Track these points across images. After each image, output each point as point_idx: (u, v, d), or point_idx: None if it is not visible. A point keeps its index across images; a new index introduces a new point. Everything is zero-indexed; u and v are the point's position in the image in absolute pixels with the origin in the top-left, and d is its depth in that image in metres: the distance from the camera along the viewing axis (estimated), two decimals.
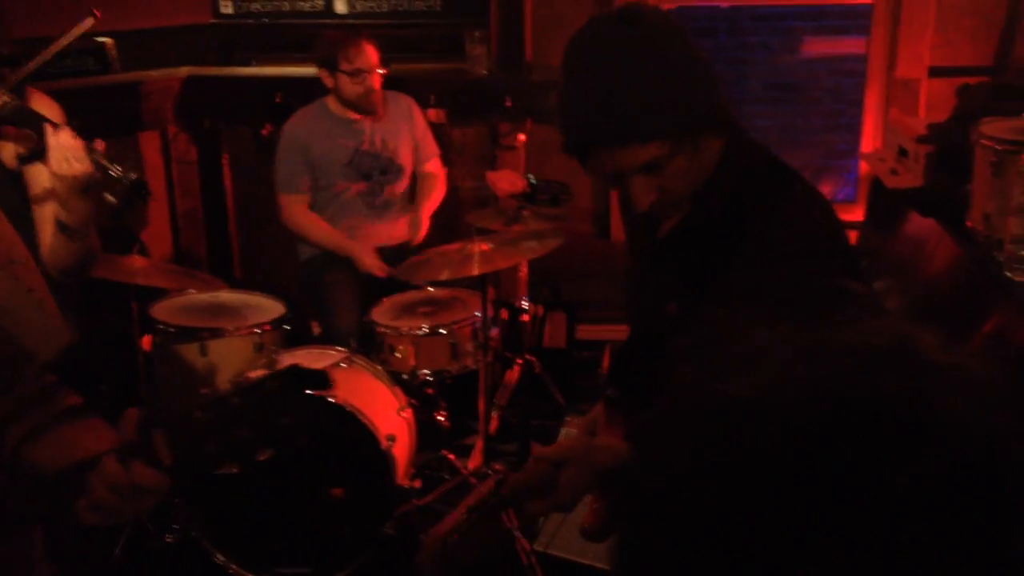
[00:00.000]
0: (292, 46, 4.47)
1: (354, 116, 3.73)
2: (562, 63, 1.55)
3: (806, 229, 1.51)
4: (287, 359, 3.17)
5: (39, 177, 2.21)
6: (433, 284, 3.58)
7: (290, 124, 3.77)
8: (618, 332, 4.33)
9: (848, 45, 4.57)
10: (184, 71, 4.38)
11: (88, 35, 4.20)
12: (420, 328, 3.36)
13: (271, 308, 3.50)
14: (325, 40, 3.67)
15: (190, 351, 3.19)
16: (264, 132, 4.27)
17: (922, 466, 0.50)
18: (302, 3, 4.58)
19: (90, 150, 2.01)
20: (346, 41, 3.59)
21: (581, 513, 2.96)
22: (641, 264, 1.75)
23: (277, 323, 3.39)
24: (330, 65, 3.61)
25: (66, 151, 2.00)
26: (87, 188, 2.03)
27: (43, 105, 2.23)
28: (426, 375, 3.38)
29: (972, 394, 0.54)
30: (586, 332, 4.24)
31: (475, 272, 3.18)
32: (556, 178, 4.02)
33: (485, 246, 3.35)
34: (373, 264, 3.67)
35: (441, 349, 3.37)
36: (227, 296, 3.55)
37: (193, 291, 3.47)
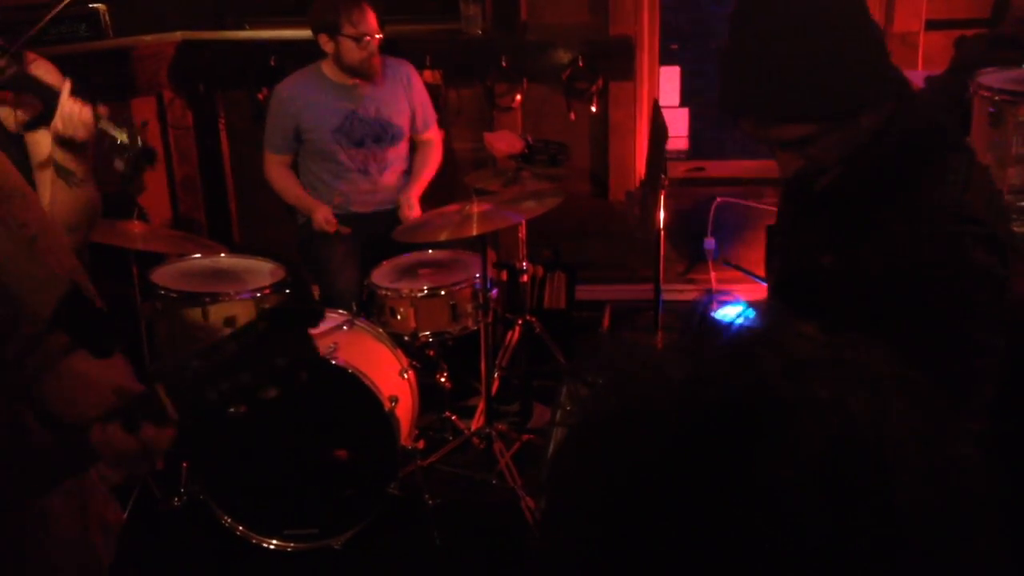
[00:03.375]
0: (286, 9, 4.43)
1: (350, 81, 3.70)
2: (731, 20, 1.55)
3: (958, 208, 1.49)
4: None
5: (42, 144, 2.21)
6: (432, 246, 3.57)
7: (282, 85, 3.76)
8: (617, 292, 4.37)
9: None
10: (178, 36, 4.35)
11: (81, 1, 4.20)
12: (420, 290, 3.36)
13: (271, 272, 3.49)
14: (324, 3, 3.61)
15: (191, 316, 3.20)
16: (260, 96, 4.25)
17: (769, 459, 0.52)
18: None
19: (96, 116, 1.99)
20: (348, 5, 3.54)
21: None
22: (792, 214, 1.78)
23: (277, 287, 3.39)
24: (331, 29, 3.57)
25: (71, 117, 1.99)
26: (89, 151, 2.02)
27: (44, 71, 2.21)
28: (427, 337, 3.38)
29: (837, 385, 0.55)
30: (586, 292, 4.25)
31: (474, 233, 3.18)
32: (554, 138, 4.02)
33: (484, 207, 3.35)
34: (324, 220, 3.66)
35: (441, 311, 3.37)
36: (227, 261, 3.55)
37: (193, 256, 3.47)
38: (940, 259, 1.46)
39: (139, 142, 2.02)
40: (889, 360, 0.57)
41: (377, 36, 3.61)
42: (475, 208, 3.27)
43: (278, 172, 3.81)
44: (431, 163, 3.89)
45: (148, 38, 4.29)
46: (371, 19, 3.57)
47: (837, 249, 1.60)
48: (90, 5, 4.18)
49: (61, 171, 2.07)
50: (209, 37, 4.42)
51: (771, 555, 0.51)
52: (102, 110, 2.04)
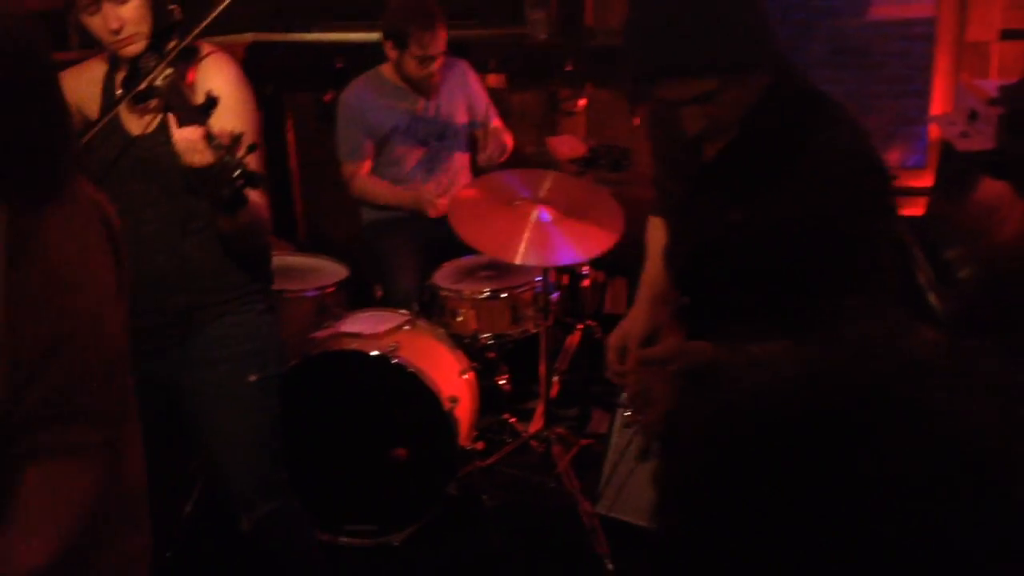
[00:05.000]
0: (353, 13, 4.48)
1: (406, 84, 3.73)
2: None
3: (853, 146, 1.68)
4: (350, 323, 3.22)
5: None
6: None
7: (346, 94, 3.79)
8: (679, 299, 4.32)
9: (917, 8, 4.46)
10: (248, 37, 4.42)
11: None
12: (481, 292, 3.38)
13: (334, 271, 3.55)
14: (399, 13, 3.60)
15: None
16: (326, 98, 4.30)
17: (887, 459, 0.52)
18: None
19: (211, 139, 1.99)
20: (421, 26, 3.52)
21: (643, 477, 2.97)
22: (685, 186, 1.89)
23: (340, 286, 3.44)
24: (400, 42, 3.58)
25: (184, 144, 1.99)
26: (208, 178, 2.01)
27: (213, 71, 2.21)
28: (487, 339, 3.40)
29: (960, 391, 0.55)
30: None
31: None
32: (616, 143, 4.00)
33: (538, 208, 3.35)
34: (431, 200, 3.66)
35: (502, 313, 3.39)
36: (292, 259, 3.60)
37: None
38: (848, 192, 1.65)
39: (248, 167, 1.98)
40: (1007, 367, 0.57)
41: (440, 55, 3.61)
42: (530, 210, 3.27)
43: (364, 180, 3.78)
44: (502, 144, 3.84)
45: (219, 39, 4.36)
46: (439, 41, 3.57)
47: (745, 203, 1.74)
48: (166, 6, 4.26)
49: (213, 204, 2.08)
50: (278, 39, 4.49)
51: (881, 549, 0.50)
52: (223, 137, 2.02)
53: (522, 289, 3.38)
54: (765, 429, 0.56)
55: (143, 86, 2.12)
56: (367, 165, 3.79)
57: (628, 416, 2.97)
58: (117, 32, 2.09)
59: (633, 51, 1.65)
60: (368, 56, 3.88)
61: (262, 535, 2.37)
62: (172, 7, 2.24)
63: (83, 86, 2.26)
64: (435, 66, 3.63)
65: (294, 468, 3.03)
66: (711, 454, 0.59)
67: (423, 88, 3.71)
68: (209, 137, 1.97)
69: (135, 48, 2.13)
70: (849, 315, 0.61)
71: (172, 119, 2.04)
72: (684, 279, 1.95)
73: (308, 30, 4.54)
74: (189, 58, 2.23)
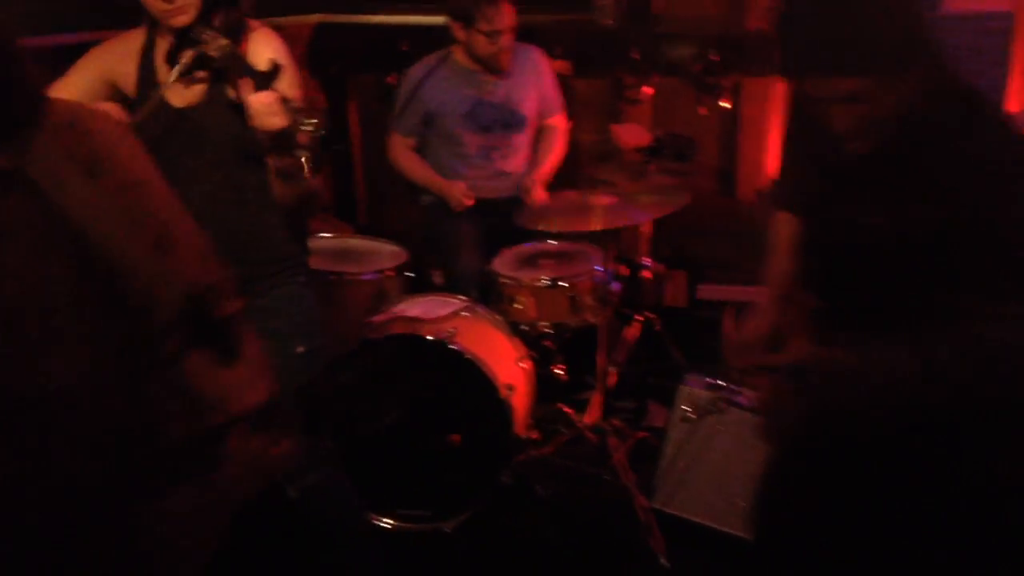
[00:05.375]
0: None
1: (478, 68, 3.71)
2: None
3: (1015, 148, 1.63)
4: (409, 307, 3.21)
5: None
6: (554, 236, 3.55)
7: (413, 69, 3.78)
8: (740, 293, 4.26)
9: (992, 2, 4.32)
10: (315, 18, 4.43)
11: None
12: (540, 280, 3.35)
13: (394, 255, 3.54)
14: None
15: (317, 293, 3.25)
16: (389, 80, 4.29)
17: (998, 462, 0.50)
18: None
19: (285, 103, 1.98)
20: (488, 1, 3.54)
21: (700, 473, 2.92)
22: (824, 184, 1.83)
23: (399, 270, 3.43)
24: (466, 20, 3.58)
25: (261, 107, 1.99)
26: (283, 141, 2.01)
27: (263, 43, 2.21)
28: (545, 327, 3.37)
29: None
30: (707, 292, 4.16)
31: (597, 226, 3.15)
32: (682, 133, 3.94)
33: (609, 199, 3.31)
34: (461, 194, 3.65)
35: (561, 302, 3.36)
36: (353, 242, 3.60)
37: (322, 234, 3.53)
38: (1011, 195, 1.58)
39: (322, 130, 1.99)
40: None
41: (512, 30, 3.60)
42: (600, 200, 3.23)
43: (404, 154, 3.83)
44: (556, 149, 3.87)
45: (286, 19, 4.38)
46: (506, 16, 3.57)
47: (894, 205, 1.67)
48: None
49: (277, 172, 2.09)
50: (344, 20, 4.49)
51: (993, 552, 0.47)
52: (292, 97, 2.02)
53: (582, 278, 3.34)
54: (880, 432, 0.52)
55: (192, 56, 2.10)
56: (409, 141, 3.81)
57: (688, 412, 2.93)
58: (170, 2, 2.08)
59: (783, 46, 1.64)
60: (433, 40, 3.87)
61: (308, 504, 2.38)
62: None
63: (117, 60, 2.25)
64: (504, 41, 3.61)
65: (349, 450, 3.05)
66: (822, 456, 0.56)
67: (494, 68, 3.68)
68: (284, 100, 1.96)
69: (185, 19, 2.11)
70: (990, 319, 0.57)
71: (244, 85, 2.03)
72: (816, 280, 1.88)
73: (374, 12, 4.53)
74: (240, 31, 2.21)
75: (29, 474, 1.37)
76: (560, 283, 3.33)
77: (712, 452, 2.91)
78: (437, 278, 3.99)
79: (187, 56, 2.10)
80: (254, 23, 2.25)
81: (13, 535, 1.37)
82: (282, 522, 2.43)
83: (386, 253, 3.57)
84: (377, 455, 3.07)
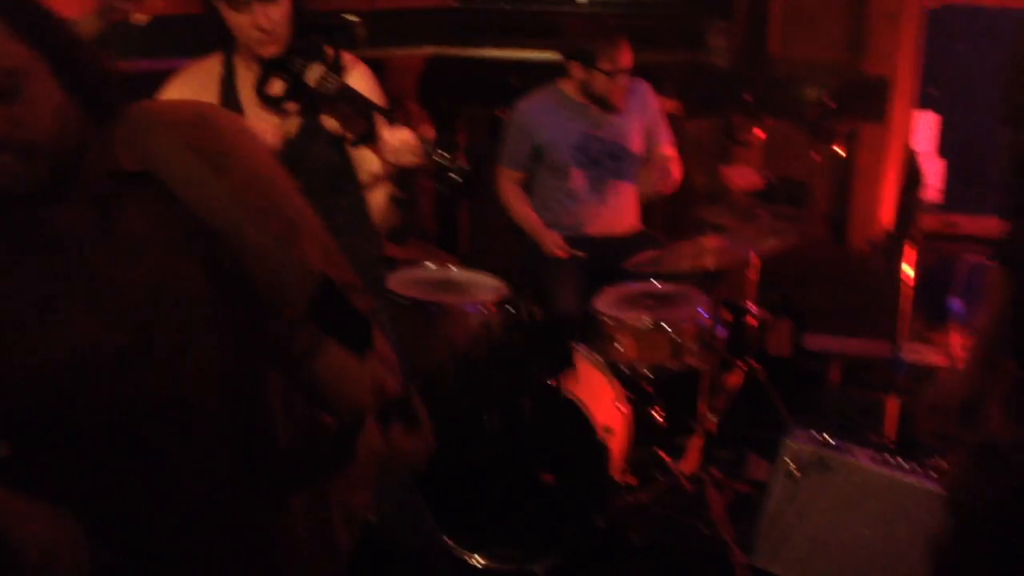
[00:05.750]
0: (530, 32, 4.48)
1: (587, 102, 3.69)
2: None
3: None
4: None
5: (367, 160, 2.21)
6: (659, 277, 3.49)
7: (522, 103, 3.78)
8: (848, 345, 4.13)
9: None
10: (427, 50, 4.47)
11: (337, 13, 4.39)
12: (643, 321, 3.28)
13: (495, 288, 3.52)
14: (582, 33, 3.62)
15: (417, 323, 3.24)
16: (498, 114, 4.30)
17: None
18: None
19: (424, 142, 1.97)
20: (608, 41, 3.54)
21: (804, 533, 2.80)
22: None
23: (500, 304, 3.41)
24: (586, 59, 3.56)
25: (400, 144, 1.97)
26: (411, 177, 2.00)
27: (360, 78, 2.21)
28: (645, 370, 3.30)
29: None
30: (813, 343, 4.04)
31: (704, 268, 3.08)
32: (794, 178, 3.85)
33: (717, 242, 3.24)
34: (554, 245, 3.65)
35: (663, 345, 3.28)
36: (455, 272, 3.59)
37: (424, 264, 3.53)
38: None
39: (463, 167, 1.96)
40: None
41: (627, 69, 3.58)
42: (708, 242, 3.16)
43: (511, 189, 3.82)
44: (667, 173, 3.77)
45: (399, 51, 4.44)
46: (626, 56, 3.56)
47: None
48: (345, 16, 4.36)
49: (396, 201, 2.08)
50: (455, 54, 4.53)
51: None
52: (428, 133, 2.01)
53: (686, 322, 3.26)
54: None
55: (286, 86, 2.08)
56: (517, 175, 3.79)
57: (793, 468, 2.82)
58: (265, 31, 2.09)
59: (1007, 89, 1.60)
60: (542, 74, 3.86)
61: (386, 526, 2.35)
62: (351, 20, 2.22)
63: (197, 90, 2.24)
64: (622, 80, 3.59)
65: (440, 482, 3.01)
66: (1013, 536, 0.49)
67: (609, 105, 3.66)
68: (422, 138, 1.95)
69: (274, 49, 2.12)
70: None
71: (352, 119, 2.01)
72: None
73: (484, 47, 4.56)
74: (335, 64, 2.19)
75: (158, 483, 1.36)
76: (663, 325, 3.26)
77: (817, 512, 2.80)
78: (536, 314, 3.95)
79: (279, 86, 2.08)
80: (349, 58, 2.24)
81: (140, 543, 1.36)
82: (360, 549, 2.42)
83: (487, 286, 3.55)
84: (468, 489, 3.02)
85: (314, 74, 2.06)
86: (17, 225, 1.28)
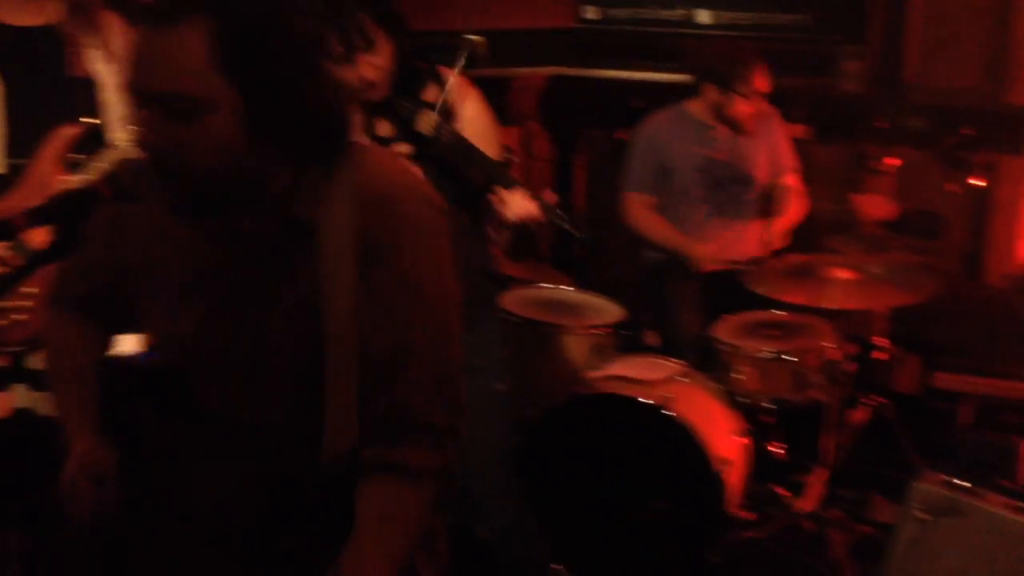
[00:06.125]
0: (652, 54, 4.43)
1: (712, 124, 3.62)
2: None
3: None
4: (623, 366, 3.11)
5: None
6: (782, 306, 3.37)
7: (647, 124, 3.72)
8: (981, 385, 3.92)
9: None
10: (548, 70, 4.46)
11: (459, 32, 4.43)
12: (764, 351, 3.17)
13: (610, 311, 3.47)
14: (720, 55, 3.57)
15: (531, 344, 3.21)
16: (619, 136, 4.25)
17: None
18: (665, 12, 4.51)
19: (544, 206, 1.93)
20: (748, 63, 3.47)
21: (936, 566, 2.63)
22: None
23: (615, 327, 3.35)
24: (723, 82, 3.49)
25: (522, 211, 1.95)
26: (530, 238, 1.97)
27: (474, 113, 2.16)
28: (765, 402, 3.18)
29: None
30: (944, 381, 3.84)
31: (831, 301, 2.96)
32: (928, 209, 3.70)
33: (846, 273, 3.12)
34: (702, 256, 3.53)
35: (785, 376, 3.17)
36: (570, 294, 3.55)
37: (540, 284, 3.50)
38: None
39: (583, 234, 1.92)
40: None
41: (762, 92, 3.50)
42: (835, 273, 3.05)
43: (643, 213, 3.71)
44: (792, 208, 3.68)
45: (521, 70, 4.43)
46: (762, 79, 3.50)
47: None
48: (466, 36, 4.39)
49: (509, 252, 2.06)
50: (577, 74, 4.50)
51: None
52: (549, 198, 1.97)
53: (810, 353, 3.14)
54: None
55: (394, 130, 2.05)
56: (648, 199, 3.71)
57: (921, 511, 2.67)
58: (370, 82, 2.06)
59: None
60: (666, 97, 3.80)
61: (497, 543, 2.31)
62: (472, 39, 2.18)
63: None
64: (758, 104, 3.51)
65: (548, 505, 2.96)
66: None
67: (739, 128, 3.58)
68: (545, 205, 1.91)
69: (379, 93, 2.09)
70: None
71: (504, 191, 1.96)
72: None
73: (607, 67, 4.52)
74: (445, 108, 2.14)
75: (235, 498, 1.41)
76: (786, 356, 3.14)
77: (945, 559, 2.63)
78: (651, 339, 3.87)
79: (387, 127, 2.06)
80: (462, 85, 2.19)
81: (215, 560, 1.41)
82: (467, 563, 2.38)
83: (602, 308, 3.50)
84: (575, 514, 2.96)
85: (425, 122, 2.02)
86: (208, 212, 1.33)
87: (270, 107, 1.24)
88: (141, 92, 1.22)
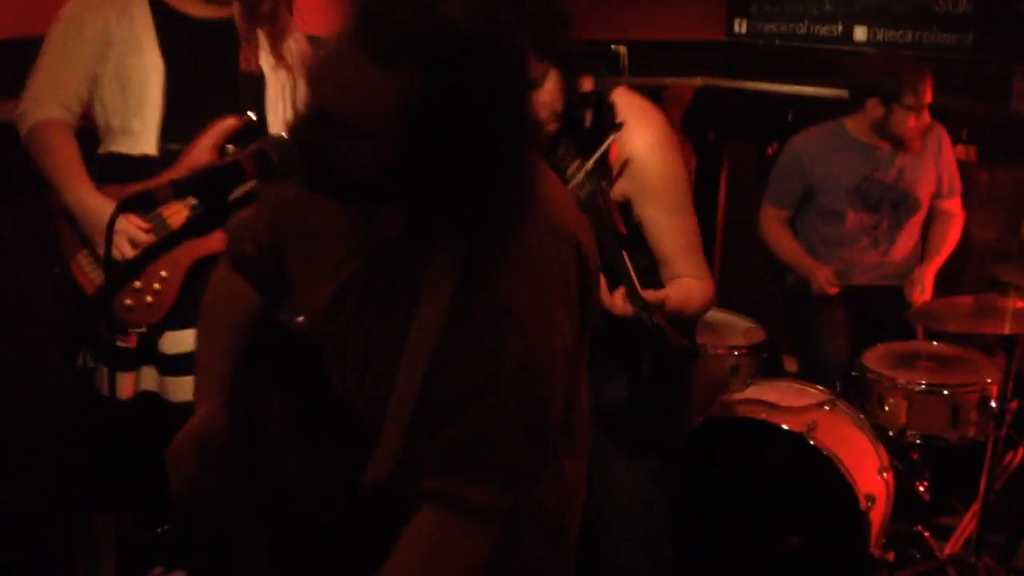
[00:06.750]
0: (803, 69, 4.27)
1: (874, 142, 3.45)
2: None
3: None
4: (763, 390, 2.99)
5: None
6: (939, 337, 3.19)
7: (798, 138, 3.59)
8: None
9: None
10: (698, 81, 4.36)
11: (604, 42, 4.36)
12: (918, 384, 3.00)
13: (750, 332, 3.36)
14: (886, 65, 3.43)
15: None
16: (769, 151, 4.12)
17: None
18: (819, 27, 4.36)
19: (633, 294, 1.82)
20: (916, 74, 3.32)
21: None
22: None
23: (754, 349, 3.23)
24: (888, 95, 3.33)
25: (613, 307, 1.81)
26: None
27: (634, 133, 1.98)
28: (915, 437, 3.01)
29: None
30: None
31: (1002, 331, 2.76)
32: None
33: (1011, 304, 2.91)
34: (825, 280, 3.38)
35: (939, 412, 2.99)
36: (710, 313, 3.43)
37: None
38: None
39: (671, 339, 1.82)
40: None
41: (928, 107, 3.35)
42: (1007, 304, 2.85)
43: (776, 227, 3.61)
44: (950, 239, 3.51)
45: (669, 80, 4.34)
46: (929, 91, 3.33)
47: None
48: (612, 46, 4.32)
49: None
50: (727, 86, 4.38)
51: None
52: (657, 318, 1.87)
53: (969, 389, 2.95)
54: None
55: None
56: (783, 213, 3.60)
57: None
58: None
59: None
60: (819, 112, 3.66)
61: (621, 559, 2.24)
62: (617, 49, 2.06)
63: None
64: (925, 119, 3.36)
65: (676, 529, 2.85)
66: None
67: (904, 145, 3.41)
68: (633, 294, 1.80)
69: (548, 127, 1.99)
70: None
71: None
72: None
73: (759, 80, 4.39)
74: (611, 134, 2.01)
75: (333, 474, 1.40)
76: (942, 390, 2.96)
77: None
78: (790, 365, 3.72)
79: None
80: (627, 103, 2.03)
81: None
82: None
83: (742, 329, 3.40)
84: (705, 539, 2.85)
85: (574, 174, 1.92)
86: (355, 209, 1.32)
87: (429, 166, 1.18)
88: (320, 104, 1.18)
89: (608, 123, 1.95)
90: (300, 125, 1.20)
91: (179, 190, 1.20)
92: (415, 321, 1.27)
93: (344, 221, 1.35)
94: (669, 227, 2.05)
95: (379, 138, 1.15)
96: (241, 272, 1.58)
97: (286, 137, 1.24)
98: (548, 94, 1.88)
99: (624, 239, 1.90)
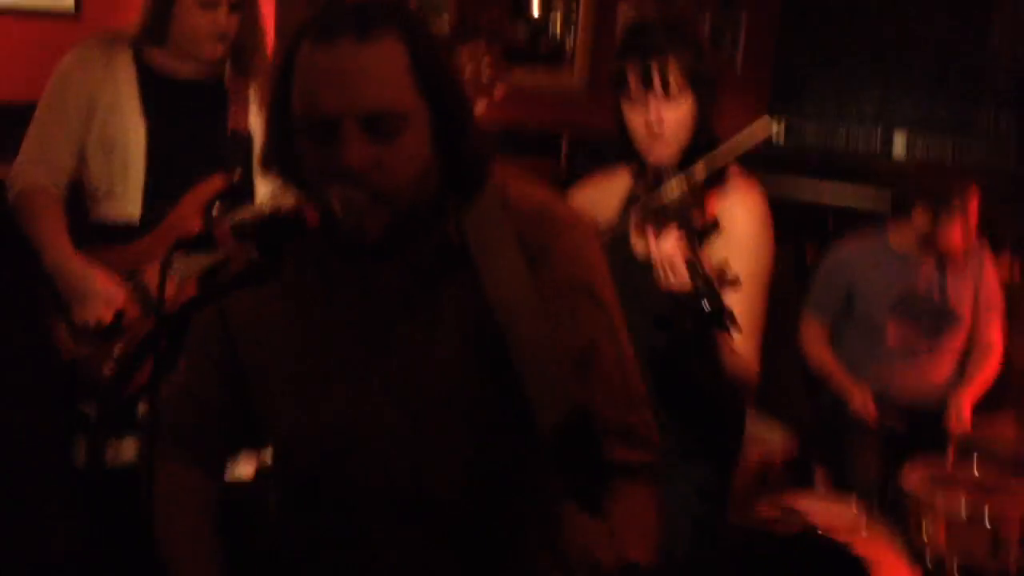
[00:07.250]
0: (841, 176, 4.23)
1: (917, 254, 3.36)
2: None
3: None
4: (793, 501, 2.86)
5: None
6: (981, 461, 3.05)
7: (839, 248, 3.52)
8: None
9: None
10: None
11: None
12: (959, 509, 2.85)
13: (778, 440, 3.25)
14: (936, 177, 3.39)
15: None
16: (807, 258, 4.05)
17: None
18: (859, 138, 4.33)
19: (693, 267, 1.77)
20: (961, 184, 3.27)
21: None
22: None
23: (786, 459, 3.12)
24: (937, 203, 3.26)
25: (664, 259, 1.79)
26: (678, 304, 1.81)
27: (737, 200, 1.99)
28: (955, 566, 2.85)
29: None
30: None
31: None
32: None
33: None
34: (862, 404, 3.30)
35: (981, 540, 2.83)
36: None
37: None
38: None
39: (724, 308, 1.74)
40: None
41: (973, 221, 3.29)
42: None
43: (815, 337, 3.51)
44: (986, 371, 3.39)
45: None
46: (975, 203, 3.27)
47: None
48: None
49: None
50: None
51: None
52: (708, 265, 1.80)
53: (1012, 518, 2.80)
54: None
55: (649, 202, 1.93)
56: (824, 328, 3.51)
57: None
58: (655, 131, 1.95)
59: None
60: (859, 220, 3.60)
61: None
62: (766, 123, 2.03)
63: (605, 200, 2.12)
64: (972, 236, 3.30)
65: None
66: None
67: (952, 255, 3.34)
68: (692, 263, 1.74)
69: (664, 154, 1.97)
70: None
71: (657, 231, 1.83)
72: None
73: (794, 184, 4.34)
74: (714, 183, 1.98)
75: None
76: (983, 519, 2.81)
77: None
78: (820, 478, 3.57)
79: (653, 197, 1.92)
80: (739, 174, 2.03)
81: None
82: None
83: (771, 436, 3.28)
84: None
85: (670, 190, 1.88)
86: (346, 274, 1.30)
87: (450, 124, 1.24)
88: (346, 114, 1.17)
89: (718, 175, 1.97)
90: (337, 155, 1.18)
91: (238, 233, 1.16)
92: (503, 313, 1.25)
93: (330, 305, 1.32)
94: (741, 294, 1.95)
95: (414, 117, 1.20)
96: (186, 444, 1.41)
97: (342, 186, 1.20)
98: (679, 115, 1.94)
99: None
